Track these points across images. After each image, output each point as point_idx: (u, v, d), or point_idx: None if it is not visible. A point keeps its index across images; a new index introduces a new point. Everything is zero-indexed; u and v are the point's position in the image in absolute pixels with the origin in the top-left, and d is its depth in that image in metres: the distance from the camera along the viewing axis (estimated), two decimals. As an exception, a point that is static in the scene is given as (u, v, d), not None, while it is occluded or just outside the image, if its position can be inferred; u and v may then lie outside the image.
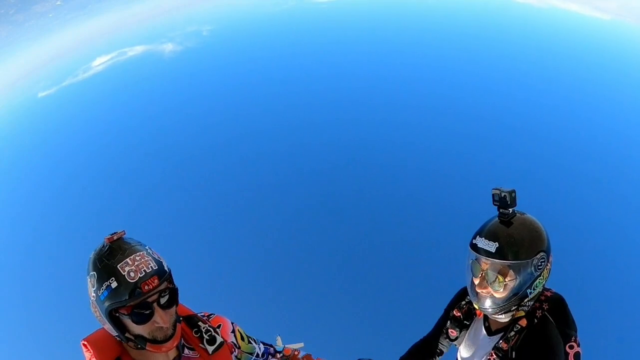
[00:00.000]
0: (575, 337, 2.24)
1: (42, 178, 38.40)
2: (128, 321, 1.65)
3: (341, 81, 35.20)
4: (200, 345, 1.95)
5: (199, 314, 2.07)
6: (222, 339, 2.00)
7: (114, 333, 1.69)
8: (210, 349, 1.94)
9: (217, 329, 2.03)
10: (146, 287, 1.60)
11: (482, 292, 2.09)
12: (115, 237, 1.67)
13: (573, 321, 2.24)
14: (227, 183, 28.58)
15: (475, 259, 2.08)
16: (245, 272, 23.23)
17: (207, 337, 1.96)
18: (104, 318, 1.65)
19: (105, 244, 1.66)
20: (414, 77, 34.06)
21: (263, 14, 67.86)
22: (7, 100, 70.62)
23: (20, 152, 47.57)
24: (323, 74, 37.85)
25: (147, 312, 1.64)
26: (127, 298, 1.58)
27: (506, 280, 2.01)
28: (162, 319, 1.67)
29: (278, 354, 2.50)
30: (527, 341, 2.08)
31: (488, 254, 1.98)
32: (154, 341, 1.69)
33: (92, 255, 1.68)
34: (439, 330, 2.60)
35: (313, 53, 43.99)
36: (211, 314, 2.17)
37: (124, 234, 1.70)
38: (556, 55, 37.16)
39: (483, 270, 2.05)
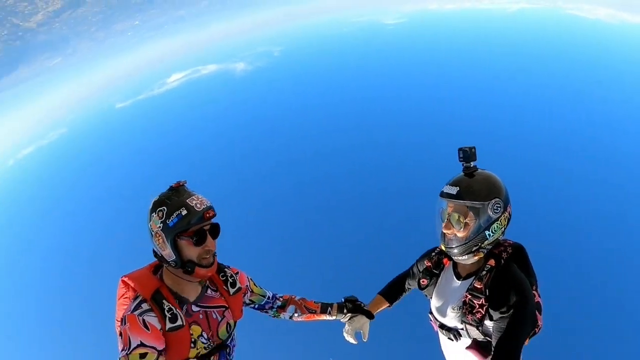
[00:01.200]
0: (536, 287, 2.53)
1: (115, 183, 39.77)
2: (185, 245, 2.12)
3: (414, 103, 34.68)
4: (224, 287, 2.44)
5: (224, 266, 2.56)
6: (240, 285, 2.52)
7: (172, 257, 2.11)
8: (232, 290, 2.46)
9: (236, 276, 2.55)
10: (207, 215, 2.14)
11: (447, 233, 2.38)
12: (181, 183, 2.22)
13: (533, 271, 2.52)
14: (295, 202, 28.62)
15: (443, 207, 2.41)
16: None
17: (231, 281, 2.48)
18: (167, 243, 2.10)
19: (172, 187, 2.19)
20: (488, 100, 33.14)
21: (332, 35, 68.92)
22: (87, 110, 73.95)
23: (95, 158, 49.36)
24: (393, 95, 37.45)
25: (204, 237, 2.13)
26: (195, 221, 2.08)
27: (466, 219, 2.31)
28: (211, 244, 2.17)
29: (280, 298, 2.93)
30: (499, 277, 2.30)
31: (450, 196, 2.32)
32: (201, 265, 2.15)
33: (158, 197, 2.17)
34: (408, 271, 3.02)
35: (382, 73, 43.81)
36: (230, 266, 2.63)
37: (186, 182, 2.25)
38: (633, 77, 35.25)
39: (449, 214, 2.35)
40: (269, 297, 2.83)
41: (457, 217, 2.31)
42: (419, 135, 29.91)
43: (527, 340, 2.30)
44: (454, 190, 2.31)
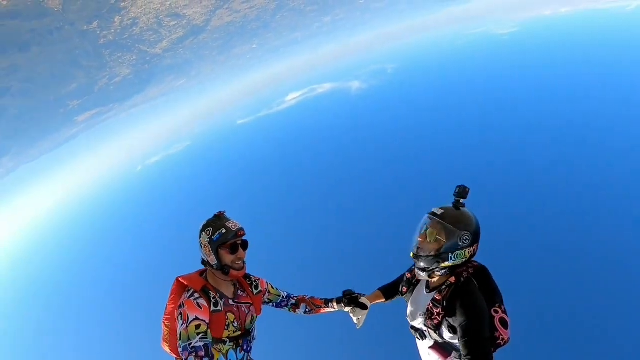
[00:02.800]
0: (500, 305, 2.81)
1: (232, 192, 42.41)
2: (224, 254, 2.89)
3: (541, 118, 31.76)
4: (250, 289, 3.20)
5: (250, 275, 3.32)
6: (261, 288, 3.29)
7: (215, 262, 2.91)
8: (255, 291, 3.22)
9: (258, 282, 3.30)
10: (239, 234, 2.91)
11: (420, 240, 2.81)
12: (222, 212, 3.00)
13: (496, 290, 2.84)
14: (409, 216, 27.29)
15: (426, 223, 2.82)
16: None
17: (255, 284, 3.26)
18: (212, 252, 2.88)
19: (216, 215, 2.99)
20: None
21: (445, 49, 67.60)
22: (210, 125, 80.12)
23: (217, 169, 53.47)
24: (513, 107, 35.34)
25: (237, 248, 2.92)
26: (230, 238, 2.87)
27: (438, 236, 2.73)
28: (241, 254, 2.95)
29: (294, 298, 3.61)
30: (455, 293, 2.71)
31: (435, 215, 2.75)
32: (234, 268, 2.93)
33: (206, 221, 2.97)
34: (400, 278, 3.44)
35: (499, 87, 41.75)
36: (254, 275, 3.37)
37: (225, 211, 3.03)
38: None
39: (427, 228, 2.79)
40: (283, 296, 3.52)
41: (433, 232, 2.75)
42: (550, 151, 27.78)
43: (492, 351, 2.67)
44: (439, 212, 2.76)
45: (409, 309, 3.07)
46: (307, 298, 3.63)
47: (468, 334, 2.56)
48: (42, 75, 40.53)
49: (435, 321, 2.74)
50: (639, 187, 20.87)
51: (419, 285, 3.06)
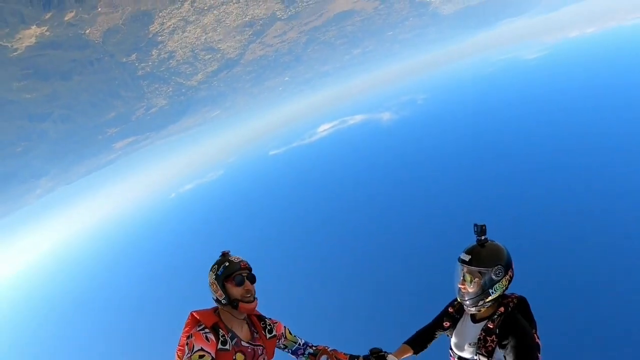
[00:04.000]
0: (536, 330, 3.01)
1: (267, 222, 42.27)
2: (231, 287, 2.87)
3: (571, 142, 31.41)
4: (263, 332, 3.13)
5: (266, 317, 3.28)
6: (276, 332, 3.20)
7: (223, 297, 2.90)
8: (268, 335, 3.13)
9: (274, 326, 3.21)
10: (242, 265, 2.90)
11: (461, 287, 2.93)
12: (226, 251, 3.01)
13: (534, 318, 3.04)
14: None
15: (462, 269, 2.93)
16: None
17: (268, 328, 3.16)
18: (219, 288, 2.88)
19: (222, 254, 3.00)
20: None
21: (474, 77, 67.65)
22: (243, 156, 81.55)
23: (249, 198, 53.85)
24: (547, 133, 34.51)
25: (242, 280, 2.87)
26: (235, 269, 2.86)
27: (475, 279, 2.86)
28: (249, 286, 2.89)
29: (313, 347, 3.46)
30: (506, 321, 2.87)
31: (464, 262, 2.85)
32: (243, 302, 2.90)
33: (214, 263, 2.98)
34: (437, 321, 3.40)
35: (529, 111, 41.23)
36: (272, 318, 3.31)
37: (230, 251, 3.05)
38: None
39: (464, 274, 2.89)
40: (300, 344, 3.42)
41: (469, 278, 2.89)
42: (590, 174, 26.31)
43: None
44: (467, 257, 2.89)
45: (454, 340, 3.21)
46: (329, 350, 3.44)
47: (523, 352, 2.82)
48: (82, 103, 42.75)
49: (489, 347, 2.91)
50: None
51: (462, 319, 3.21)
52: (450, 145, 42.14)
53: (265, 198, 51.22)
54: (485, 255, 2.85)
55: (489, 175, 32.19)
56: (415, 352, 3.48)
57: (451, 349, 3.21)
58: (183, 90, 64.46)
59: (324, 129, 73.55)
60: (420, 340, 3.46)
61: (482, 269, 2.85)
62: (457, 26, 79.37)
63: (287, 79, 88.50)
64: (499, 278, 2.86)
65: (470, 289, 2.88)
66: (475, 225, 2.93)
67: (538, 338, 2.98)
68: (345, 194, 41.83)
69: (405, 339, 3.60)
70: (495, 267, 2.84)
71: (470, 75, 70.25)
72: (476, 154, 36.76)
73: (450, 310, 3.23)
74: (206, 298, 2.99)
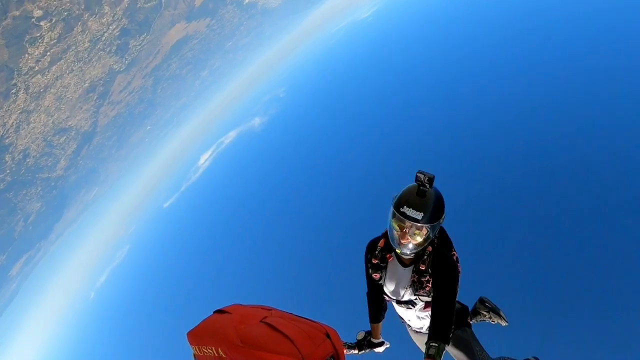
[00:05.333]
0: (454, 249, 3.24)
1: (179, 282, 42.27)
2: None
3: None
4: None
5: None
6: None
7: None
8: None
9: None
10: None
11: (404, 241, 2.85)
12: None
13: (449, 238, 3.22)
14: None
15: (401, 221, 2.80)
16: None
17: None
18: None
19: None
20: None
21: (322, 52, 69.41)
22: (141, 221, 78.27)
23: (165, 261, 51.80)
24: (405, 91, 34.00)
25: None
26: None
27: (421, 232, 2.81)
28: None
29: None
30: (436, 258, 2.97)
31: (416, 220, 2.73)
32: None
33: None
34: (370, 282, 3.38)
35: (386, 67, 41.45)
36: None
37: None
38: None
39: (407, 227, 2.80)
40: None
41: (416, 232, 2.81)
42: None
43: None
44: (419, 216, 2.72)
45: (389, 288, 3.20)
46: None
47: (451, 281, 2.96)
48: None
49: (427, 288, 2.98)
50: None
51: (390, 265, 3.17)
52: (324, 126, 43.37)
53: (179, 254, 49.99)
54: (433, 210, 2.74)
55: (366, 152, 32.66)
56: (380, 321, 3.58)
57: (387, 295, 3.28)
58: (52, 184, 60.70)
59: (205, 158, 73.22)
60: (375, 311, 3.52)
61: (434, 225, 2.80)
62: (288, 14, 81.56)
63: (149, 127, 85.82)
64: (441, 224, 2.87)
65: (415, 241, 2.84)
66: (423, 173, 2.72)
67: (456, 253, 3.20)
68: (251, 213, 41.60)
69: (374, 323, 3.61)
70: (442, 217, 2.83)
71: (317, 54, 71.98)
72: (354, 128, 37.32)
73: (375, 261, 3.17)
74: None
